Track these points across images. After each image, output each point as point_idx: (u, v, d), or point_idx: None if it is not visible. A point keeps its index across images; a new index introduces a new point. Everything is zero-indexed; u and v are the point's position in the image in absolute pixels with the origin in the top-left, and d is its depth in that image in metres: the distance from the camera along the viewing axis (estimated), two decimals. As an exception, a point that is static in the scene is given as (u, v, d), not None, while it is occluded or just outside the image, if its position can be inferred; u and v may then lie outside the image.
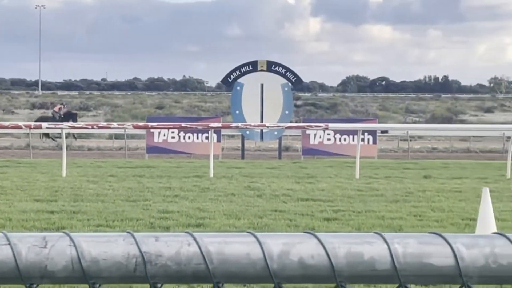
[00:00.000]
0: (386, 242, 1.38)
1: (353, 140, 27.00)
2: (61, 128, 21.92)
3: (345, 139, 28.55)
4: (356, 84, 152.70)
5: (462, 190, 17.22)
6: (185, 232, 1.38)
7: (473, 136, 37.17)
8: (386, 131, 33.45)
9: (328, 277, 1.37)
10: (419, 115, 61.23)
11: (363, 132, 27.27)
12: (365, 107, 68.61)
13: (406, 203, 15.24)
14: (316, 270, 1.37)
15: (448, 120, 50.65)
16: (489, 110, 72.91)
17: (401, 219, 13.07)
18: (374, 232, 1.41)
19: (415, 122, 50.38)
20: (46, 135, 34.91)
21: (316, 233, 1.40)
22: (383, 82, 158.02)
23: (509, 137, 22.90)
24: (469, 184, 18.43)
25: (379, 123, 34.34)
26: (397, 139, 37.14)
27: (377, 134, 29.85)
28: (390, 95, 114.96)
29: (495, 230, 10.09)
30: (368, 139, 28.42)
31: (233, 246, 1.36)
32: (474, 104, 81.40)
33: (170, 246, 1.35)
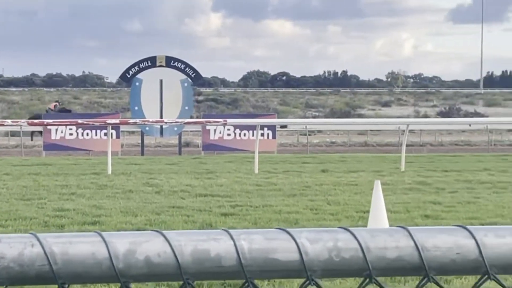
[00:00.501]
0: (232, 238, 1.40)
1: (252, 135, 27.12)
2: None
3: (245, 134, 28.67)
4: (257, 79, 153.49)
5: (358, 183, 17.50)
6: (30, 233, 1.37)
7: (371, 130, 37.82)
8: (285, 126, 33.72)
9: (174, 274, 1.38)
10: (318, 109, 61.93)
11: (263, 127, 27.47)
12: (266, 102, 69.02)
13: (303, 197, 15.42)
14: (163, 268, 1.38)
15: (347, 115, 51.37)
16: (386, 104, 74.26)
17: (297, 213, 13.21)
18: (222, 229, 1.43)
19: (314, 117, 50.94)
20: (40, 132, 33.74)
21: (164, 232, 1.41)
22: (284, 77, 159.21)
23: (404, 131, 23.37)
24: (365, 177, 18.75)
25: (279, 118, 34.63)
26: (297, 134, 37.49)
27: (277, 129, 30.07)
28: (291, 90, 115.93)
29: (387, 222, 10.32)
30: (268, 134, 28.63)
31: (78, 246, 1.36)
32: (372, 99, 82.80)
33: (13, 247, 1.34)
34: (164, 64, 28.76)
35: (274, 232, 1.43)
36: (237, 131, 28.62)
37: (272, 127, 28.73)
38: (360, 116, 52.77)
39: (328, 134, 40.25)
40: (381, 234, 1.44)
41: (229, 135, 28.65)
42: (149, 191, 15.96)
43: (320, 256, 1.41)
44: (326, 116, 51.03)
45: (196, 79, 30.04)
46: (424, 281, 1.43)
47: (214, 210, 13.41)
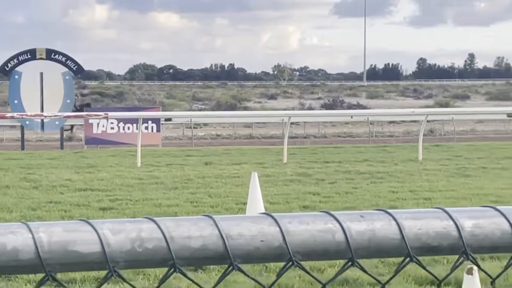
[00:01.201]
0: (30, 231, 1.36)
1: (136, 129, 26.87)
2: None
3: (128, 128, 28.39)
4: (143, 72, 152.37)
5: (240, 175, 17.57)
6: None
7: (256, 123, 38.01)
8: (169, 119, 33.55)
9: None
10: (205, 102, 61.91)
11: (147, 120, 27.27)
12: (152, 96, 68.58)
13: (184, 190, 15.38)
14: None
15: (232, 107, 51.55)
16: (272, 97, 74.89)
17: (177, 206, 13.17)
18: (21, 222, 1.39)
19: (200, 110, 50.88)
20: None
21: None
22: (171, 70, 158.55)
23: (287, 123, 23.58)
24: (248, 169, 18.83)
25: (165, 111, 34.42)
26: (183, 127, 37.36)
27: (161, 122, 29.88)
28: (178, 83, 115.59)
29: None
30: (152, 127, 28.43)
31: None
32: (259, 91, 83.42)
33: None
34: (44, 56, 28.17)
35: (75, 223, 1.40)
36: (121, 124, 28.30)
37: (156, 120, 28.54)
38: (246, 108, 52.98)
39: (214, 127, 40.26)
40: (185, 223, 1.42)
41: (112, 128, 28.30)
42: (26, 187, 15.62)
43: (123, 247, 1.39)
44: (212, 109, 51.05)
45: (78, 72, 29.54)
46: (229, 269, 1.41)
47: (93, 205, 13.24)
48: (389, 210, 1.51)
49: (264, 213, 1.45)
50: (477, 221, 1.53)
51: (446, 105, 52.65)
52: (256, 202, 10.18)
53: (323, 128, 37.16)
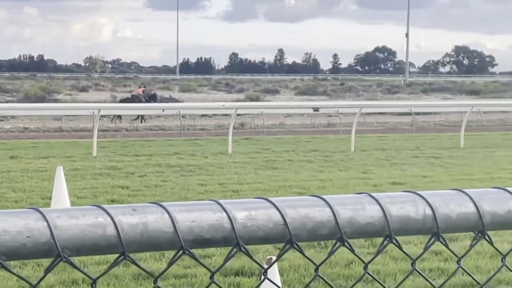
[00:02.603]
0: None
1: None
2: None
3: None
4: None
5: (47, 169, 17.17)
6: None
7: (66, 116, 37.22)
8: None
9: None
10: (12, 94, 60.10)
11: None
12: (-44, 87, 65.84)
13: (-11, 184, 14.86)
14: None
15: (41, 100, 50.28)
16: (84, 90, 73.64)
17: (-20, 201, 12.71)
18: None
19: (8, 102, 49.31)
20: (119, 117, 34.72)
21: None
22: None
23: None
24: (55, 163, 18.42)
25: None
26: (-12, 120, 36.04)
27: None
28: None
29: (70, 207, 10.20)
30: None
31: None
32: (70, 84, 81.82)
33: None
34: None
35: None
36: None
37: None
38: (56, 101, 51.82)
39: (22, 120, 39.11)
40: None
41: None
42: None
43: None
44: (20, 101, 49.59)
45: None
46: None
47: None
48: (162, 203, 1.50)
49: (32, 208, 1.41)
50: (250, 213, 1.55)
51: (257, 99, 53.57)
52: (61, 197, 9.97)
53: (135, 121, 36.93)
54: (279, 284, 5.17)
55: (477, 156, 21.49)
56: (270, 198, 1.58)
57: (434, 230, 1.68)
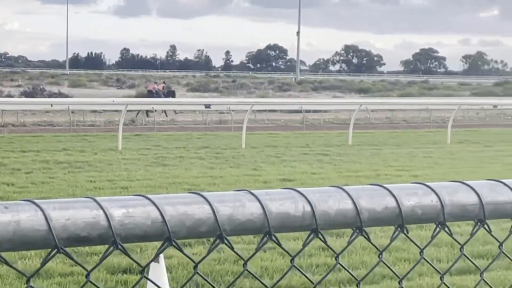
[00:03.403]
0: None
1: None
2: None
3: None
4: None
5: None
6: None
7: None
8: None
9: None
10: None
11: None
12: None
13: None
14: None
15: None
16: (-31, 84, 71.70)
17: None
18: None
19: None
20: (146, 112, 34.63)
21: None
22: None
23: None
24: None
25: None
26: None
27: None
28: None
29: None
30: None
31: None
32: (-46, 77, 79.43)
33: None
34: None
35: None
36: None
37: None
38: None
39: None
40: None
41: None
42: None
43: None
44: None
45: None
46: None
47: None
48: (36, 201, 1.46)
49: None
50: (128, 210, 1.52)
51: (148, 95, 53.12)
52: None
53: (22, 117, 36.14)
54: (166, 281, 5.15)
55: (365, 154, 21.89)
56: (149, 195, 1.56)
57: (313, 226, 1.69)
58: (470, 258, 2.06)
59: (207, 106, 30.04)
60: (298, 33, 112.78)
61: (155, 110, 31.59)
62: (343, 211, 1.72)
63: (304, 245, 1.72)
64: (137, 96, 46.53)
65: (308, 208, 1.69)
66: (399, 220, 1.78)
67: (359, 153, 21.96)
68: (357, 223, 1.74)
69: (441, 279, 1.93)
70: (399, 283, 1.92)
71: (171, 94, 42.37)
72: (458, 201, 1.83)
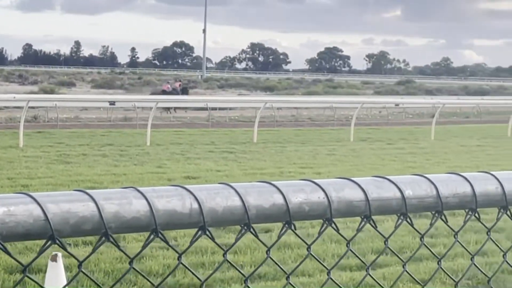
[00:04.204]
0: None
1: None
2: None
3: None
4: None
5: None
6: None
7: None
8: None
9: None
10: None
11: None
12: None
13: None
14: None
15: None
16: None
17: None
18: None
19: None
20: (167, 109, 37.40)
21: None
22: None
23: None
24: None
25: None
26: None
27: None
28: None
29: None
30: None
31: None
32: None
33: None
34: None
35: None
36: None
37: None
38: None
39: None
40: None
41: None
42: None
43: None
44: None
45: None
46: None
47: None
48: None
49: None
50: (9, 208, 1.49)
51: (51, 91, 52.34)
52: None
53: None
54: (64, 279, 5.08)
55: (269, 151, 22.02)
56: (31, 193, 1.54)
57: (201, 224, 1.69)
58: (357, 254, 2.10)
59: (112, 103, 29.75)
60: (204, 30, 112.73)
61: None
62: (230, 208, 1.72)
63: (192, 243, 1.71)
64: (41, 92, 45.78)
65: (195, 205, 1.68)
66: (287, 217, 1.79)
67: (264, 151, 22.08)
68: (245, 220, 1.74)
69: (328, 275, 1.96)
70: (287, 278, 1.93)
71: (185, 91, 46.40)
72: (345, 198, 1.86)
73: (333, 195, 1.84)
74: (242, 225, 1.76)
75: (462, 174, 2.01)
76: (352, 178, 1.90)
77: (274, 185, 1.80)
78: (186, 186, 1.70)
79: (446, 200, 1.95)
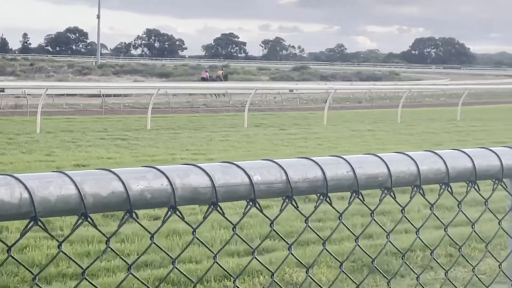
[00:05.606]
0: None
1: None
2: None
3: None
4: None
5: None
6: None
7: None
8: None
9: None
10: None
11: None
12: None
13: None
14: None
15: None
16: None
17: None
18: None
19: None
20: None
21: None
22: None
23: None
24: None
25: None
26: None
27: None
28: None
29: None
30: None
31: None
32: None
33: None
34: None
35: None
36: None
37: None
38: None
39: None
40: None
41: None
42: None
43: None
44: None
45: None
46: None
47: None
48: None
49: None
50: None
51: None
52: None
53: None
54: None
55: (163, 138, 21.85)
56: None
57: (32, 214, 1.60)
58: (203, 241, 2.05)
59: (1, 90, 29.04)
60: (98, 16, 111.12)
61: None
62: (65, 197, 1.64)
63: (22, 235, 1.62)
64: None
65: (26, 195, 1.59)
66: (127, 205, 1.72)
67: (157, 137, 21.90)
68: (81, 210, 1.66)
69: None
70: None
71: (226, 78, 53.69)
72: (190, 184, 1.79)
73: (177, 181, 1.77)
74: (79, 215, 1.67)
75: (312, 158, 1.96)
76: (199, 164, 1.84)
77: (113, 172, 1.73)
78: (15, 175, 1.61)
79: (296, 185, 1.91)
